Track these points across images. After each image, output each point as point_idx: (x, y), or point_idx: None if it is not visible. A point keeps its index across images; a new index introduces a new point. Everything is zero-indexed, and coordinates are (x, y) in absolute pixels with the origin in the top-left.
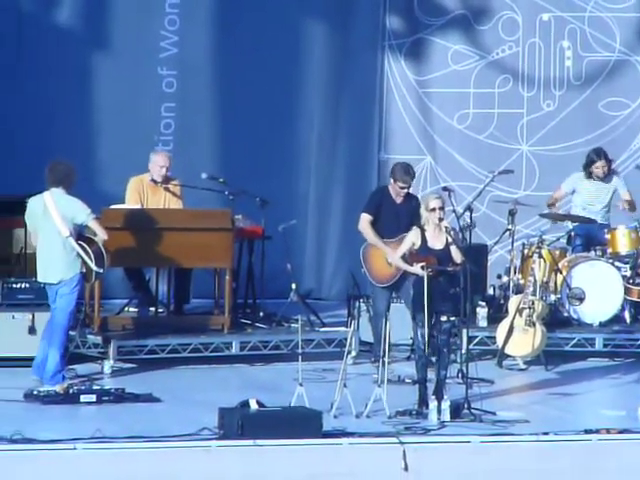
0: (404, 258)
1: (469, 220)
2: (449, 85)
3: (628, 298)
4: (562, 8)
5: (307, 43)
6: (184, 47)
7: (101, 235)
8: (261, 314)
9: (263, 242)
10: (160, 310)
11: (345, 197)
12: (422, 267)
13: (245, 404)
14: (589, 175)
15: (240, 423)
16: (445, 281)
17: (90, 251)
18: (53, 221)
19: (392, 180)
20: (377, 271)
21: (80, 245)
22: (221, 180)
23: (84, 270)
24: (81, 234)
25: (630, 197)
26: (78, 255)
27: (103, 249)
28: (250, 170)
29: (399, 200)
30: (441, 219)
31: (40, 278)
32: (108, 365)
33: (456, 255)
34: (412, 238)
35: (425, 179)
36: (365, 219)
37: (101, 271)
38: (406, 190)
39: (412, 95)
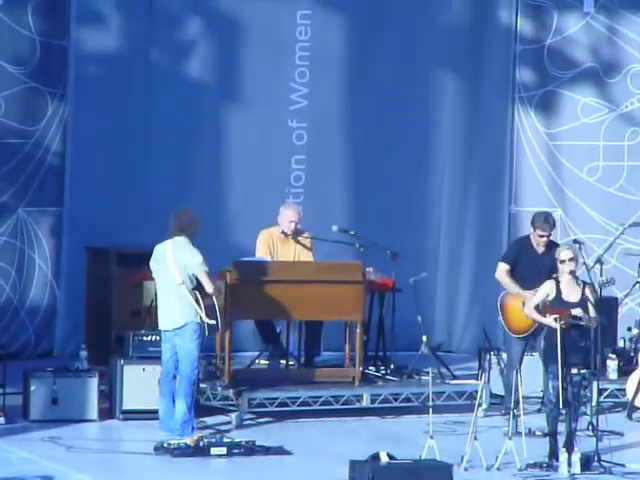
0: (538, 309)
1: (607, 278)
2: (579, 138)
3: None
4: None
5: (438, 95)
6: (314, 99)
7: (207, 288)
8: (392, 367)
9: (394, 295)
10: (291, 363)
11: (476, 250)
12: (555, 319)
13: (376, 457)
14: None
15: (371, 476)
16: (577, 334)
17: (201, 301)
18: (169, 268)
19: (532, 229)
20: (513, 322)
21: (195, 295)
22: (352, 233)
23: (199, 321)
24: (200, 284)
25: None
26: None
27: (216, 303)
28: (381, 222)
29: (540, 250)
30: (572, 271)
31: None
32: (239, 417)
33: (591, 311)
34: (547, 289)
35: (556, 232)
36: (502, 268)
37: (213, 323)
38: (545, 239)
39: (542, 147)
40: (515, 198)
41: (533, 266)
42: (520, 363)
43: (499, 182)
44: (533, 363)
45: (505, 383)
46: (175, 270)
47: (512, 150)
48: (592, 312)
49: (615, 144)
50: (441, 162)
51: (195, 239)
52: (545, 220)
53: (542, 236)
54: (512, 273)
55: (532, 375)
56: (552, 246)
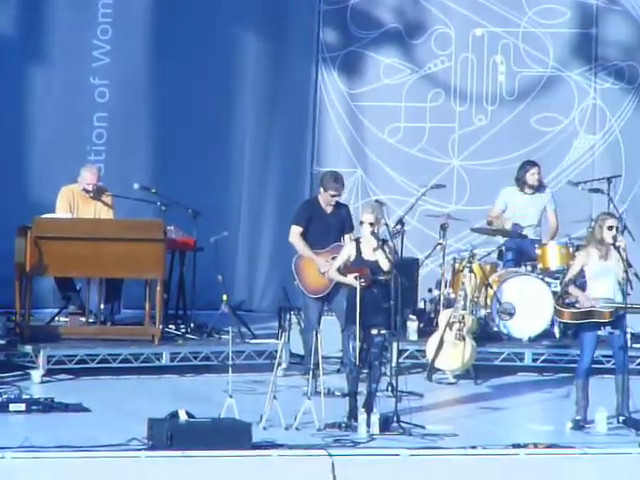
0: (339, 270)
1: (396, 228)
2: (381, 99)
3: (559, 320)
4: (496, 23)
5: (241, 55)
6: (116, 57)
7: None
8: (192, 325)
9: (195, 253)
10: (90, 320)
11: (277, 209)
12: (355, 278)
13: (174, 415)
14: (521, 187)
15: (169, 434)
16: (379, 293)
17: None
18: None
19: (322, 189)
20: (310, 282)
21: None
22: (153, 191)
23: None
24: None
25: (555, 220)
26: None
27: None
28: (183, 181)
29: (329, 210)
30: (373, 232)
31: None
32: (38, 374)
33: (383, 263)
34: (348, 251)
35: (356, 192)
36: (295, 231)
37: None
38: (337, 198)
39: (344, 108)
40: (317, 159)
41: (323, 226)
42: (318, 323)
43: (302, 143)
44: (332, 323)
45: (304, 344)
46: None
47: (315, 111)
48: (385, 265)
49: (417, 105)
50: (244, 122)
51: None
52: (335, 179)
53: (334, 196)
54: (304, 234)
55: (331, 336)
56: (339, 206)
